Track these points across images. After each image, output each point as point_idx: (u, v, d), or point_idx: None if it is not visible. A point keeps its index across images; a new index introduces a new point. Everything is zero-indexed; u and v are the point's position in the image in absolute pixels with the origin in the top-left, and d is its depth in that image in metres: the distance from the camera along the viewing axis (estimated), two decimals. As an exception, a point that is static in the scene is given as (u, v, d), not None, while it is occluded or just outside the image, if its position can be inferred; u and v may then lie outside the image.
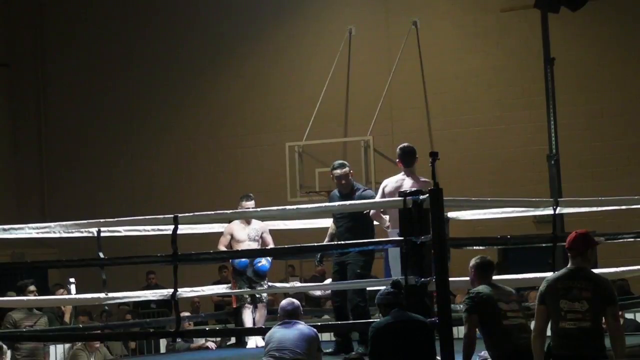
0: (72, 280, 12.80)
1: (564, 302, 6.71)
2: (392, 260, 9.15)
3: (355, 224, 9.65)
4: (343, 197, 9.81)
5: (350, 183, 9.86)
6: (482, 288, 7.57)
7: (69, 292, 12.76)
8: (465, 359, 7.45)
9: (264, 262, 11.03)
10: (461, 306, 11.96)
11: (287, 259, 16.60)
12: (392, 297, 7.65)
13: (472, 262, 7.78)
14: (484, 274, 7.73)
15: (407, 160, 9.39)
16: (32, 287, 11.72)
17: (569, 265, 6.87)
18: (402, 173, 9.39)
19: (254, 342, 11.25)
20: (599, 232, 11.63)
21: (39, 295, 11.91)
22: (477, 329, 7.48)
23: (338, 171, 9.84)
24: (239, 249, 10.98)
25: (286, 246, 10.08)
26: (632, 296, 13.06)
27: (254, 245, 11.03)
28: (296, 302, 8.43)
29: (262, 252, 10.87)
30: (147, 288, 14.42)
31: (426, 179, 9.12)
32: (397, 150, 9.52)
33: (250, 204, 11.09)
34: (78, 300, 10.95)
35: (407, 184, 9.21)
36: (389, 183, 9.38)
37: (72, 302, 12.16)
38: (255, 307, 11.22)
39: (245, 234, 11.12)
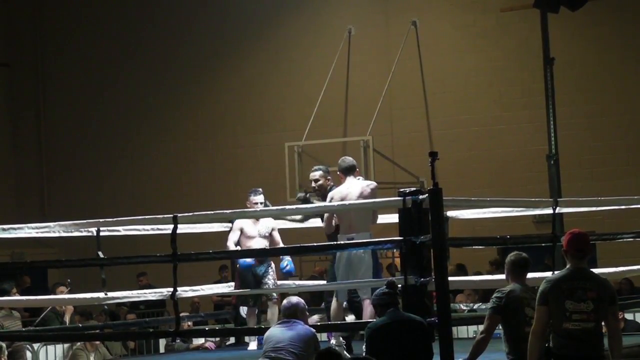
0: (67, 280, 12.81)
1: (569, 302, 6.66)
2: (342, 267, 9.32)
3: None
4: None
5: (324, 187, 10.03)
6: (515, 288, 7.40)
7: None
8: (471, 357, 7.39)
9: (288, 265, 11.00)
10: (462, 306, 12.00)
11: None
12: (387, 297, 7.58)
13: (508, 258, 7.61)
14: (519, 271, 7.52)
15: (349, 172, 9.59)
16: (14, 290, 11.94)
17: (569, 266, 6.82)
18: (348, 181, 9.54)
19: (255, 344, 11.26)
20: (598, 232, 11.71)
21: (39, 295, 11.94)
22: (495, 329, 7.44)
23: (311, 173, 10.17)
24: (249, 245, 10.91)
25: (286, 246, 10.08)
26: (632, 296, 13.06)
27: (264, 242, 10.96)
28: (295, 301, 8.26)
29: (262, 253, 10.85)
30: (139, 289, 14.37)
31: (369, 181, 9.52)
32: (340, 163, 9.67)
33: (258, 198, 10.99)
34: (77, 300, 10.93)
35: (355, 189, 9.41)
36: (335, 195, 9.54)
37: (72, 302, 12.15)
38: (262, 306, 11.19)
39: (256, 230, 11.01)
